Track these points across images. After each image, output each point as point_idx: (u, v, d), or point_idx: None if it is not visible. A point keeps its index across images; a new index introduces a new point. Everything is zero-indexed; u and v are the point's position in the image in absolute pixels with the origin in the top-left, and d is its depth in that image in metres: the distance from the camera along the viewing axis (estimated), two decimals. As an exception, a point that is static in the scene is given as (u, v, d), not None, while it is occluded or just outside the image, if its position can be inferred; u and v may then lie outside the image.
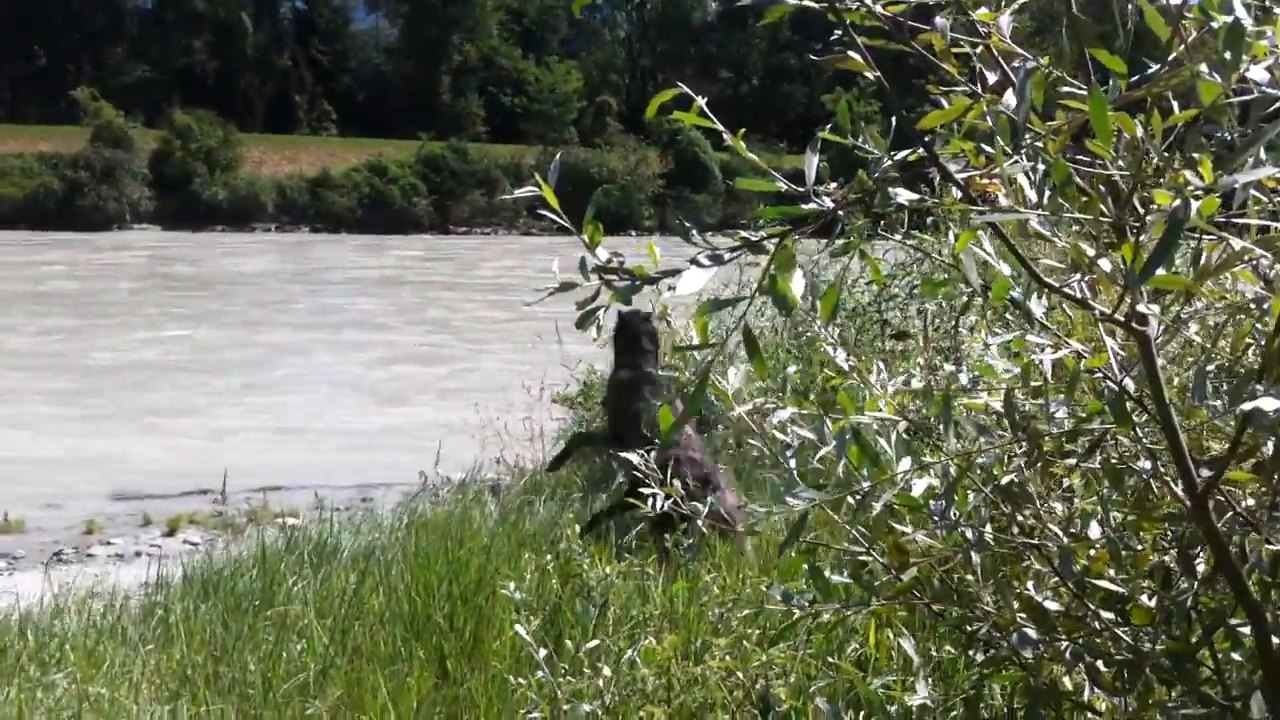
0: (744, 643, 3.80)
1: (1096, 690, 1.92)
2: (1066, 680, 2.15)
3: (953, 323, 6.05)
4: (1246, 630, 1.89)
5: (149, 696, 5.17)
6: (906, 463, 2.03)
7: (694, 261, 1.59)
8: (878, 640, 3.45)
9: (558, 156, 1.88)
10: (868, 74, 1.82)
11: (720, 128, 2.02)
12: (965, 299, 2.33)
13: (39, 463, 14.73)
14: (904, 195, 1.70)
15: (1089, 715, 2.11)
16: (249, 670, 5.30)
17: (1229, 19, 1.59)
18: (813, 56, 1.97)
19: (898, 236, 2.10)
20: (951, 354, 5.40)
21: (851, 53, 1.85)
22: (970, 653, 2.14)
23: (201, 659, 5.53)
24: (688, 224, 1.64)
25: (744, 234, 1.79)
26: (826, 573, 2.24)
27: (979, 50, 1.94)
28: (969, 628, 2.09)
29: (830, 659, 3.69)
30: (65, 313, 29.45)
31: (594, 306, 1.66)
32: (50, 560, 10.64)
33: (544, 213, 1.78)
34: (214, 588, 6.77)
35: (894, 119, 1.95)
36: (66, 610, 6.70)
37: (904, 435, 2.11)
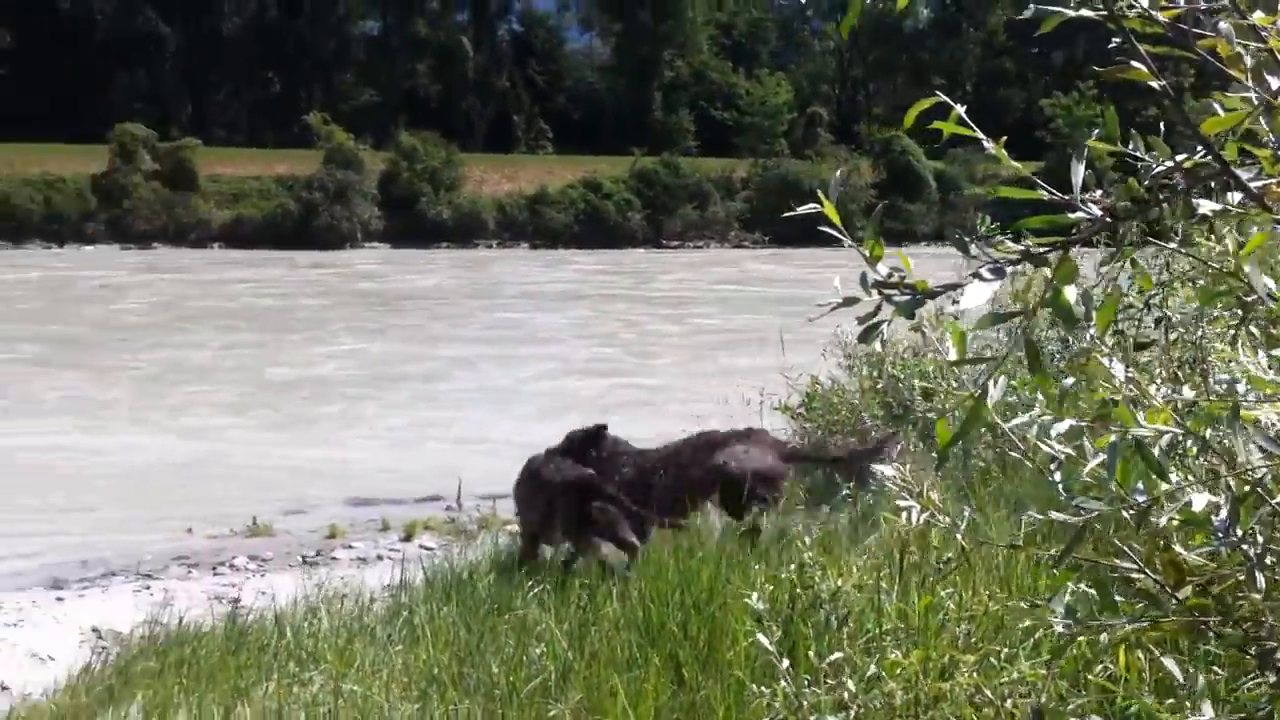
0: (991, 659, 3.75)
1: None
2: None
3: (1199, 333, 5.83)
4: None
5: (399, 695, 5.40)
6: (1174, 477, 1.99)
7: (976, 275, 1.60)
8: (1128, 661, 3.36)
9: (838, 172, 1.90)
10: (1153, 83, 1.80)
11: (981, 136, 2.02)
12: (1242, 307, 2.26)
13: (275, 470, 15.51)
14: (1206, 206, 1.67)
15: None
16: (492, 671, 5.47)
17: None
18: (1096, 69, 1.95)
19: (1172, 245, 2.05)
20: (1196, 366, 5.20)
21: (1135, 62, 1.83)
22: (1263, 673, 2.07)
23: (446, 659, 5.74)
24: (966, 237, 1.65)
25: (1010, 243, 1.79)
26: (1079, 588, 2.20)
27: (1263, 56, 1.89)
28: (1255, 648, 2.02)
29: (1083, 678, 3.61)
30: (254, 328, 30.77)
31: (876, 321, 1.68)
32: (298, 563, 11.20)
33: (826, 229, 1.80)
34: (454, 591, 7.02)
35: (1162, 124, 1.92)
36: (318, 610, 7.04)
37: (1165, 449, 2.06)
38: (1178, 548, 2.17)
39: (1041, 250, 1.66)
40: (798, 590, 5.37)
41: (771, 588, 5.11)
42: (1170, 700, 2.87)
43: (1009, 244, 1.82)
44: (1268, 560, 2.07)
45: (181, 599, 9.00)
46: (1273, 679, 1.97)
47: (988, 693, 3.49)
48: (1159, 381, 2.74)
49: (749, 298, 40.41)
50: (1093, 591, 2.21)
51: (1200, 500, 1.95)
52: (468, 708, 5.06)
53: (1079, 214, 1.79)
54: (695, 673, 5.24)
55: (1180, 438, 2.08)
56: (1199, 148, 1.84)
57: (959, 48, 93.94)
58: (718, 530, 7.83)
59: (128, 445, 16.87)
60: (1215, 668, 3.00)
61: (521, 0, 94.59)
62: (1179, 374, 4.79)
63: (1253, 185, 1.71)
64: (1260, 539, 2.10)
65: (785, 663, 3.77)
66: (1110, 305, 1.86)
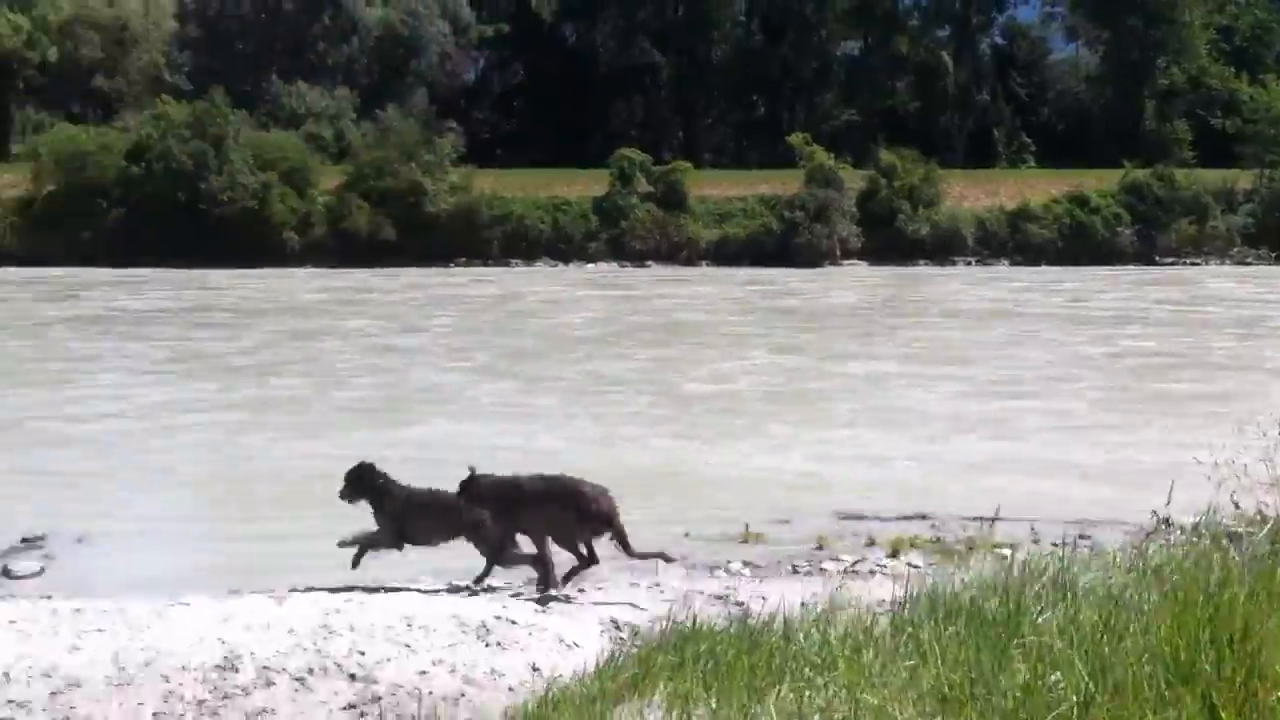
0: None
1: None
2: None
3: None
4: None
5: (913, 710, 5.40)
6: None
7: None
8: None
9: None
10: None
11: None
12: None
13: (763, 482, 15.97)
14: None
15: None
16: (1005, 696, 5.37)
17: None
18: None
19: None
20: None
21: None
22: None
23: (957, 678, 5.68)
24: None
25: None
26: None
27: None
28: None
29: None
30: (677, 342, 31.69)
31: None
32: (789, 571, 11.50)
33: None
34: (958, 611, 6.94)
35: None
36: (823, 618, 7.19)
37: None
38: None
39: None
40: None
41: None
42: None
43: None
44: None
45: (684, 599, 9.44)
46: None
47: None
48: None
49: (1196, 319, 37.50)
50: None
51: None
52: (987, 729, 5.00)
53: None
54: (1232, 716, 4.91)
55: None
56: None
57: None
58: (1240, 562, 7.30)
59: (573, 449, 17.98)
60: None
61: (1004, 12, 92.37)
62: None
63: None
64: None
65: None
66: None
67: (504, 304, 42.02)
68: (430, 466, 16.12)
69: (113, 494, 15.47)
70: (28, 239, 54.35)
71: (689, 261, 57.21)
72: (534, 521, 9.43)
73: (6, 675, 7.59)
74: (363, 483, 9.80)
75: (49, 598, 9.75)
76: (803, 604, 7.94)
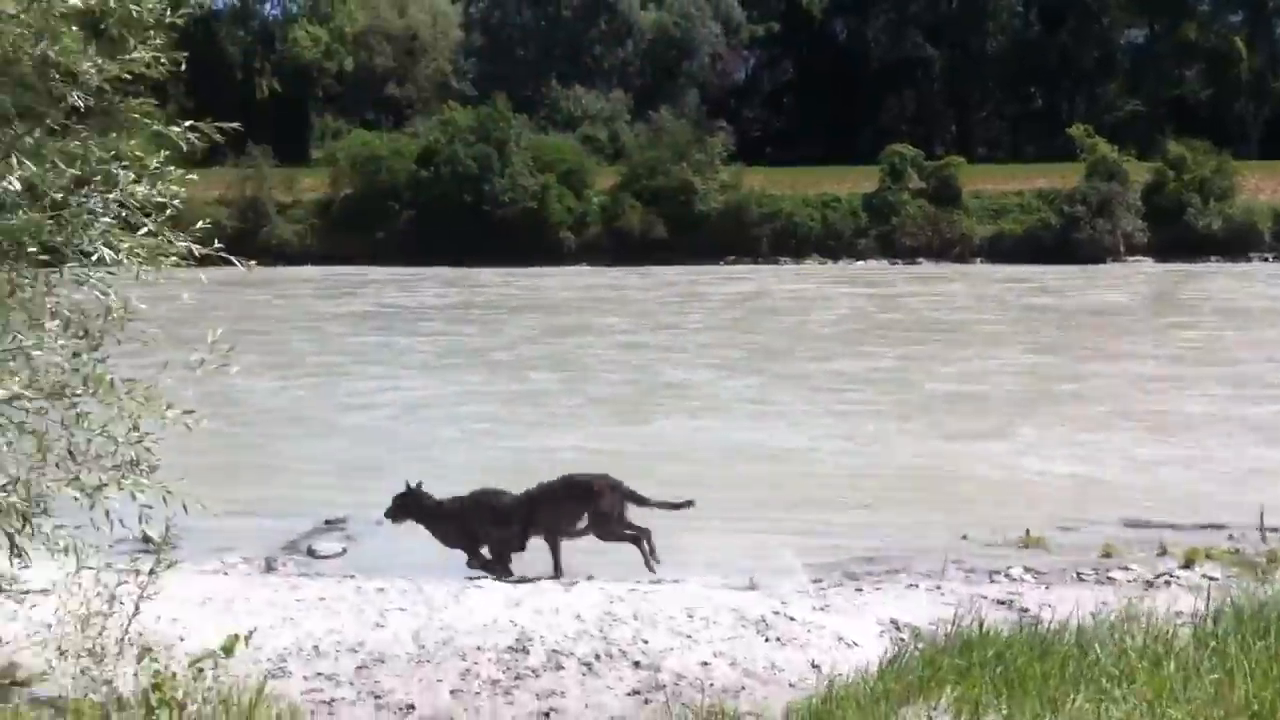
0: None
1: None
2: None
3: None
4: None
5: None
6: None
7: None
8: None
9: None
10: None
11: None
12: None
13: (1028, 484, 15.49)
14: None
15: None
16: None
17: None
18: None
19: None
20: None
21: None
22: None
23: (1269, 695, 5.41)
24: None
25: None
26: None
27: None
28: None
29: None
30: (924, 340, 30.72)
31: None
32: (1074, 578, 11.10)
33: None
34: (1267, 626, 6.59)
35: None
36: (1119, 628, 6.93)
37: None
38: None
39: None
40: None
41: None
42: None
43: None
44: None
45: (966, 603, 9.26)
46: None
47: None
48: None
49: None
50: None
51: None
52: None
53: None
54: None
55: None
56: None
57: None
58: None
59: (817, 447, 17.85)
60: None
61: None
62: None
63: None
64: None
65: None
66: None
67: (755, 301, 42.14)
68: (671, 462, 16.46)
69: (397, 481, 16.25)
70: (326, 239, 57.85)
71: (961, 258, 55.90)
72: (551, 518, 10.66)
73: (316, 649, 8.10)
74: (408, 507, 11.03)
75: (352, 577, 10.35)
76: (1094, 613, 7.67)
